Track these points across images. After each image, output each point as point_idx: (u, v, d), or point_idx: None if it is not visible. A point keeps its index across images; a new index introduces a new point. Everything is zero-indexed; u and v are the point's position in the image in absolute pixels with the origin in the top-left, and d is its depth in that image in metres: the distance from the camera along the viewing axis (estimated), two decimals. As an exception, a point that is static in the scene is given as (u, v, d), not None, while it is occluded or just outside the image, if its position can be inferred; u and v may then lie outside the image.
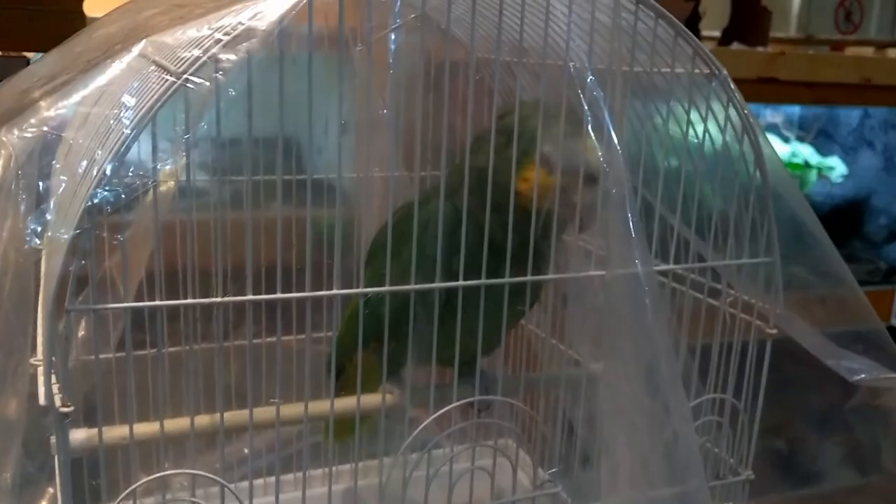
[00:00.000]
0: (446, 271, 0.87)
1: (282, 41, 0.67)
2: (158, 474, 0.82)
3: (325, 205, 1.10)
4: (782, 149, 3.16)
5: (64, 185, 0.70)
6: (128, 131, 0.63)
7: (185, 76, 0.64)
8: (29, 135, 0.75)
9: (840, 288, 0.94)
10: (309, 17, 0.70)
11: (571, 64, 0.75)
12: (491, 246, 0.87)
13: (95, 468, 1.20)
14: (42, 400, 0.72)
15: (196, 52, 0.65)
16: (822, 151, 3.28)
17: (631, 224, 0.72)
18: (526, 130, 0.87)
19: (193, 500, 0.84)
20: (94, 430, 0.85)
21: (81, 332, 1.24)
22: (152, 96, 0.65)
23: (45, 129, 0.75)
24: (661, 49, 0.84)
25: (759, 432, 1.02)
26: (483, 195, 0.85)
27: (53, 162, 0.78)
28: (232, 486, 0.84)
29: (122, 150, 0.63)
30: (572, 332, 0.98)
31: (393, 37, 0.79)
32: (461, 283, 0.86)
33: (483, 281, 0.87)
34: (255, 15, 0.66)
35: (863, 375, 0.95)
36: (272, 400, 0.78)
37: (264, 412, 0.92)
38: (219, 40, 0.66)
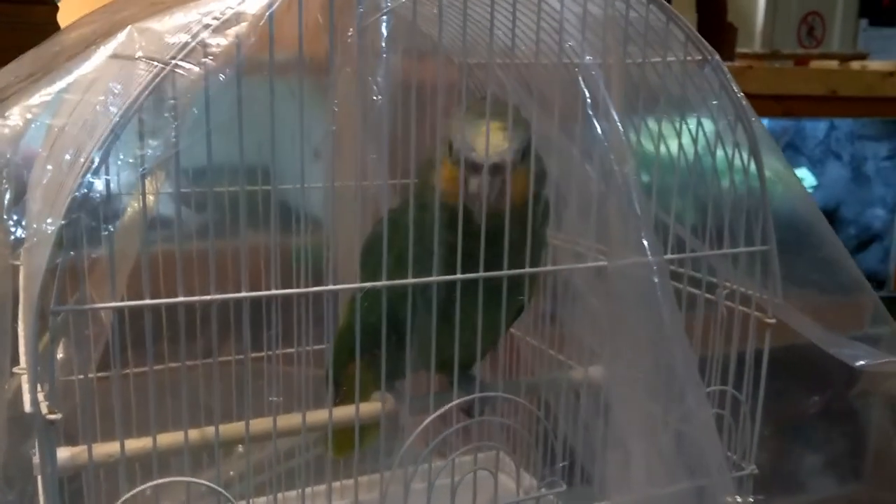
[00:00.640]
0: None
1: (271, 25, 0.65)
2: (152, 483, 0.78)
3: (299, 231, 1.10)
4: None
5: (49, 174, 0.67)
6: (116, 119, 0.61)
7: (173, 62, 0.62)
8: (12, 123, 0.72)
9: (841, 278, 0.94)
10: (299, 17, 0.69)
11: (569, 44, 0.74)
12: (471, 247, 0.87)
13: (76, 496, 1.16)
14: (27, 407, 0.68)
15: (184, 38, 0.63)
16: (791, 164, 3.31)
17: (637, 208, 0.71)
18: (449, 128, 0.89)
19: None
20: (80, 448, 0.81)
21: (60, 354, 1.21)
22: (140, 83, 0.62)
23: (29, 116, 0.72)
24: (651, 39, 0.84)
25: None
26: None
27: (39, 150, 0.75)
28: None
29: (110, 137, 0.61)
30: (572, 328, 0.97)
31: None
32: (459, 276, 0.84)
33: (481, 274, 0.85)
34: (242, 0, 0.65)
35: (865, 361, 0.94)
36: (271, 398, 0.75)
37: (259, 424, 0.89)
38: (207, 25, 0.64)
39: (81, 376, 1.21)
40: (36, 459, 0.77)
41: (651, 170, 0.88)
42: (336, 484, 1.18)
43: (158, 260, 1.25)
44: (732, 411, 0.98)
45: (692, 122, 0.86)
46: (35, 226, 0.64)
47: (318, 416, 0.90)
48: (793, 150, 3.47)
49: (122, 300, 1.14)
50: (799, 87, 2.59)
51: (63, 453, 0.81)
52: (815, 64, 3.20)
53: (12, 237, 0.67)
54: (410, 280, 0.84)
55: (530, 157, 0.88)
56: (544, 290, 1.16)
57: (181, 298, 0.70)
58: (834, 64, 3.17)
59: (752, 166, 0.90)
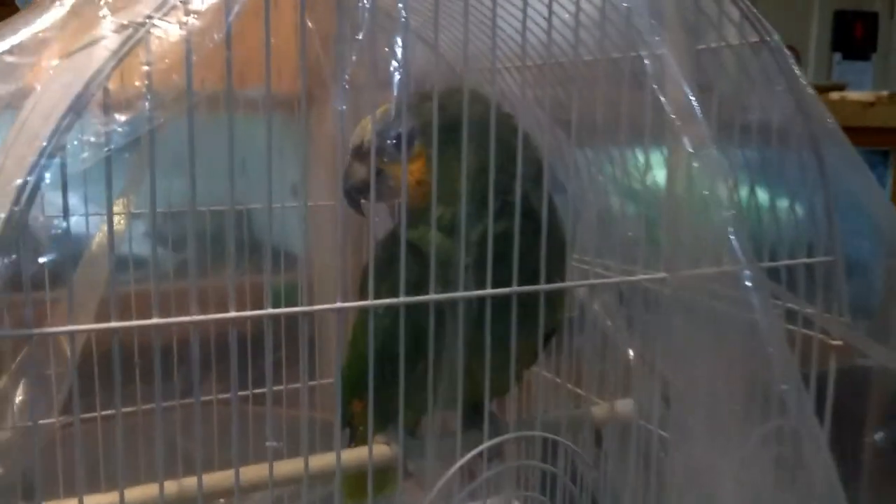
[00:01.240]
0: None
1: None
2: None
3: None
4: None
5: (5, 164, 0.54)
6: (77, 90, 0.48)
7: (150, 21, 0.50)
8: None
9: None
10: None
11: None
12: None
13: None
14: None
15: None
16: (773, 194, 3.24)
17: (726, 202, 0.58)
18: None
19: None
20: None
21: (19, 397, 1.08)
22: (108, 47, 0.50)
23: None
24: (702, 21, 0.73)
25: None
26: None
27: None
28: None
29: (69, 115, 0.48)
30: (592, 357, 0.85)
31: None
32: (489, 291, 0.71)
33: (514, 289, 0.72)
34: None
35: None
36: (267, 442, 0.61)
37: (251, 472, 0.75)
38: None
39: (42, 422, 1.08)
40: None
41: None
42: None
43: (131, 299, 1.15)
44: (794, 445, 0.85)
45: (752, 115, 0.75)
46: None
47: (321, 460, 0.77)
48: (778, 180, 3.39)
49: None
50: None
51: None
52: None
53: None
54: (489, 290, 0.73)
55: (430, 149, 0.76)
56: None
57: (155, 320, 0.57)
58: (811, 95, 3.09)
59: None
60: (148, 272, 1.18)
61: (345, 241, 0.65)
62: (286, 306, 1.19)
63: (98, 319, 0.97)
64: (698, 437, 0.72)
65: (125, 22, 0.51)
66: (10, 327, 0.58)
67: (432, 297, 0.69)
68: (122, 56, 0.50)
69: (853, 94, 2.90)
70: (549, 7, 0.70)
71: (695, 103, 0.61)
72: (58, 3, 0.57)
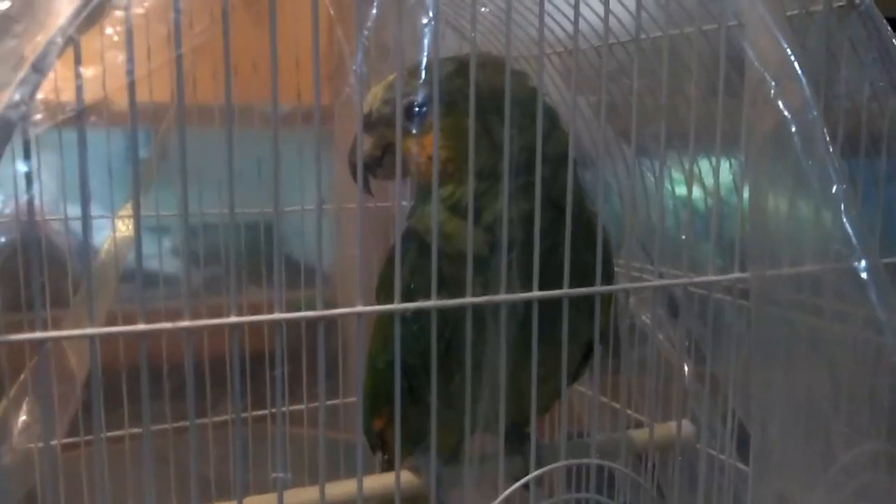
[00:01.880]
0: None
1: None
2: None
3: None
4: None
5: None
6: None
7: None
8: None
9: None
10: None
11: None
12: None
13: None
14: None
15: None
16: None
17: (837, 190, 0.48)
18: None
19: None
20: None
21: (23, 417, 1.02)
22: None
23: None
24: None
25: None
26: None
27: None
28: None
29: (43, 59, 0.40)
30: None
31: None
32: (536, 293, 0.60)
33: (566, 291, 0.62)
34: None
35: None
36: (274, 475, 0.52)
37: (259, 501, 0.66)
38: None
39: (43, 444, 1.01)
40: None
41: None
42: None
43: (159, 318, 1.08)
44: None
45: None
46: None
47: (340, 488, 0.67)
48: None
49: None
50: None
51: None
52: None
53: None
54: (535, 293, 0.62)
55: (459, 119, 0.64)
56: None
57: (186, 323, 0.48)
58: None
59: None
60: (171, 289, 1.14)
61: (362, 239, 0.55)
62: (309, 326, 1.12)
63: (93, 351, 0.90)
64: (778, 464, 0.61)
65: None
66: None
67: (469, 300, 0.59)
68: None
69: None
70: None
71: (795, 63, 0.51)
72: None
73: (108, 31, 0.43)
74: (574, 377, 0.84)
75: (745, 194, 0.66)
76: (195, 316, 0.51)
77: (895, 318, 0.50)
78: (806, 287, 0.54)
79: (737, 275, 0.64)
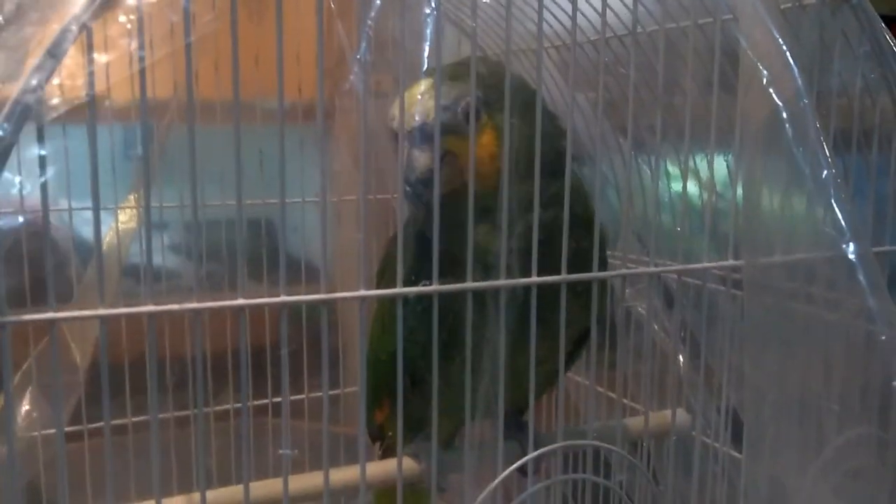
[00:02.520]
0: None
1: None
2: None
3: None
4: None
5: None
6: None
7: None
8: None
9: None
10: None
11: None
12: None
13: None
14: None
15: None
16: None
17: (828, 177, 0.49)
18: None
19: None
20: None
21: (25, 407, 1.03)
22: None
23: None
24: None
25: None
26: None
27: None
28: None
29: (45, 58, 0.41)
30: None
31: None
32: (535, 279, 0.62)
33: (564, 276, 0.63)
34: None
35: None
36: (280, 451, 0.53)
37: (262, 487, 0.67)
38: None
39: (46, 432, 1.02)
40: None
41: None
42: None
43: (143, 317, 1.09)
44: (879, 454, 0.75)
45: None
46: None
47: (341, 474, 0.69)
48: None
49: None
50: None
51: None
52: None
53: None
54: (535, 279, 0.62)
55: (497, 118, 0.66)
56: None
57: (193, 304, 0.50)
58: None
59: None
60: (171, 284, 1.14)
61: (367, 226, 0.56)
62: (309, 321, 1.13)
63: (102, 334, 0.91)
64: (771, 446, 0.62)
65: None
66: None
67: (470, 284, 0.60)
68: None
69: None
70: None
71: (788, 53, 0.52)
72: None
73: (122, 18, 0.44)
74: (567, 365, 0.85)
75: (739, 186, 0.68)
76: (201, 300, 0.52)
77: (884, 300, 0.52)
78: (798, 273, 0.55)
79: (731, 262, 0.65)
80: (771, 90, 0.52)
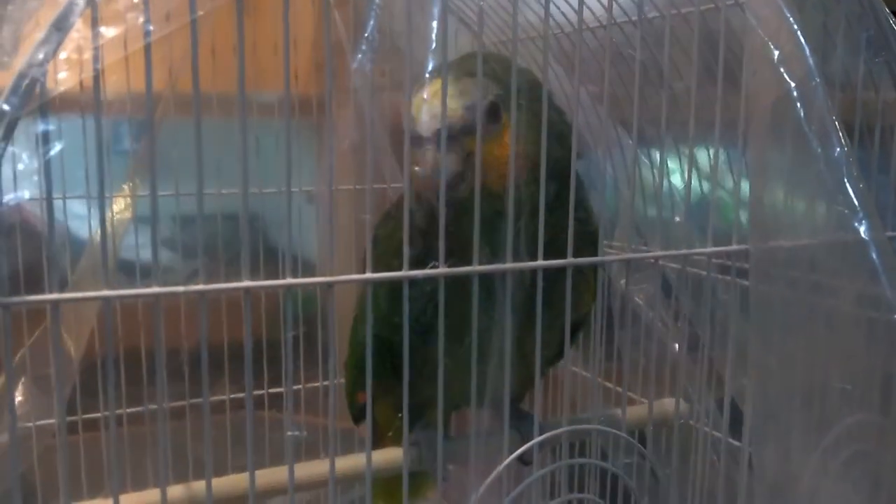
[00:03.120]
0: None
1: None
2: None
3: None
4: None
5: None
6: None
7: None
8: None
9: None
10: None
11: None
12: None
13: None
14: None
15: None
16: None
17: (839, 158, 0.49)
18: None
19: None
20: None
21: (18, 398, 1.02)
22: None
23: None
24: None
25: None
26: None
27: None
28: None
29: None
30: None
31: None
32: (541, 262, 0.62)
33: (570, 260, 0.63)
34: None
35: None
36: (289, 433, 0.53)
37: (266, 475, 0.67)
38: None
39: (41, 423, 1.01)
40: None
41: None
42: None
43: (138, 309, 1.09)
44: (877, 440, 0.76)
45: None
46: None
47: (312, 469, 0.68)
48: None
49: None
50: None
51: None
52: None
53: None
54: (541, 262, 0.62)
55: (515, 116, 0.64)
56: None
57: (201, 286, 0.49)
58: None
59: None
60: (164, 280, 1.14)
61: (371, 205, 0.56)
62: (304, 311, 1.12)
63: (100, 319, 0.91)
64: (777, 431, 0.62)
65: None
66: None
67: (476, 268, 0.59)
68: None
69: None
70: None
71: (798, 31, 0.52)
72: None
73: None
74: (559, 354, 0.85)
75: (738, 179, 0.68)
76: (191, 304, 0.52)
77: (894, 277, 0.52)
78: (807, 255, 0.55)
79: (735, 247, 0.66)
80: (782, 69, 0.52)
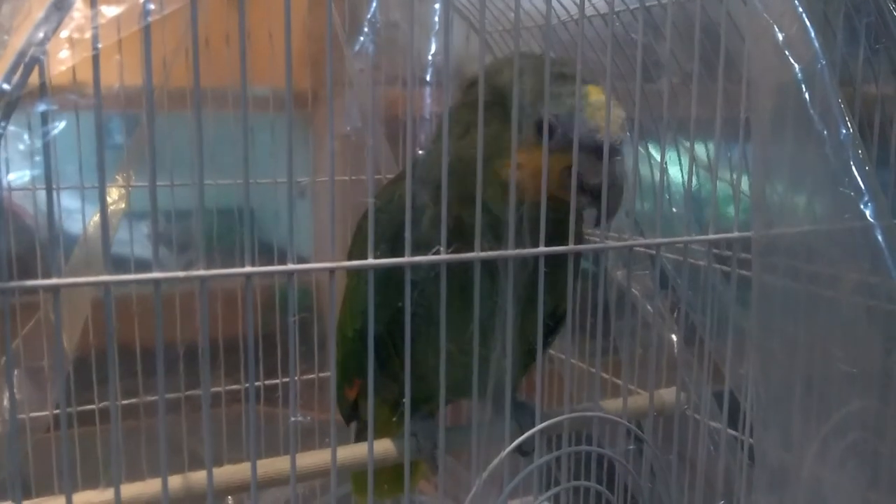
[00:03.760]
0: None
1: None
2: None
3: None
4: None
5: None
6: None
7: None
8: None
9: None
10: None
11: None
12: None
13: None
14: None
15: None
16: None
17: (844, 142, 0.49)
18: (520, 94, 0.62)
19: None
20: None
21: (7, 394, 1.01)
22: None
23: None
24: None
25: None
26: (462, 186, 0.61)
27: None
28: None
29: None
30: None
31: None
32: (543, 249, 0.61)
33: (570, 247, 0.63)
34: None
35: None
36: (293, 419, 0.52)
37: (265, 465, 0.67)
38: None
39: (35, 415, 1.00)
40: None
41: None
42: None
43: (132, 303, 1.08)
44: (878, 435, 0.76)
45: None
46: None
47: (314, 458, 0.68)
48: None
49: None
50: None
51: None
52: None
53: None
54: (543, 248, 0.62)
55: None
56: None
57: (201, 272, 0.49)
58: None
59: None
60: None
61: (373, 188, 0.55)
62: (299, 308, 1.12)
63: (94, 312, 0.90)
64: (780, 415, 0.62)
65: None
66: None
67: (478, 254, 0.59)
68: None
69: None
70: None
71: (803, 13, 0.51)
72: None
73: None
74: (545, 344, 0.85)
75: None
76: (185, 299, 0.51)
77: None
78: (810, 241, 0.55)
79: (736, 234, 0.66)
80: (787, 52, 0.52)
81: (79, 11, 0.41)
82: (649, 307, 1.05)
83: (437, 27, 0.62)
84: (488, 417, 0.72)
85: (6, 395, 0.99)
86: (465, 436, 0.74)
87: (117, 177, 1.08)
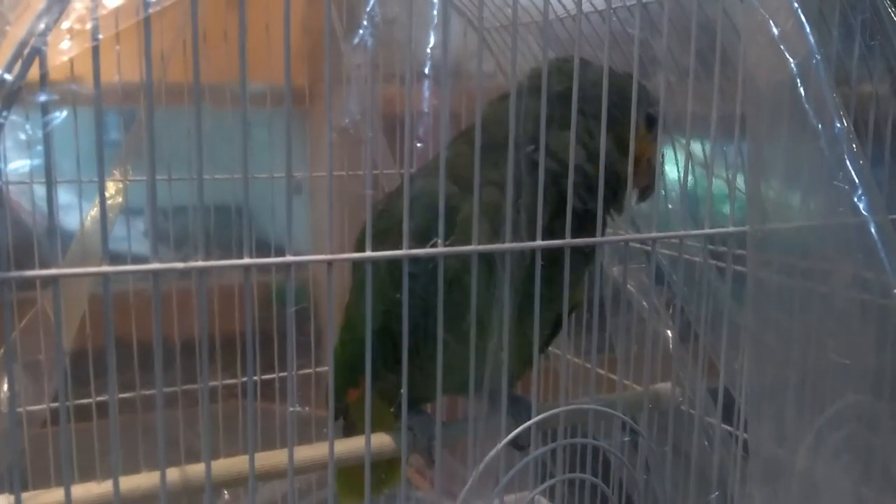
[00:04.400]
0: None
1: None
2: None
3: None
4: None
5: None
6: None
7: None
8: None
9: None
10: None
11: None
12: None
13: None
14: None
15: None
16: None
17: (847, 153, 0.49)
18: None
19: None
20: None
21: (6, 387, 1.01)
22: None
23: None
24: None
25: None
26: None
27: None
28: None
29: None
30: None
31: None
32: (568, 240, 0.62)
33: (567, 241, 0.63)
34: None
35: None
36: (291, 409, 0.52)
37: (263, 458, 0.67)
38: None
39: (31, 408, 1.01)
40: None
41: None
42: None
43: (129, 298, 1.08)
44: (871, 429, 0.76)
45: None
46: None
47: (313, 452, 0.68)
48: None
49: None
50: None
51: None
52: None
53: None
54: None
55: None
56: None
57: (200, 263, 0.49)
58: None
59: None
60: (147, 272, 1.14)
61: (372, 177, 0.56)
62: (295, 304, 1.13)
63: (91, 307, 0.90)
64: (773, 408, 0.63)
65: None
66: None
67: (475, 248, 0.59)
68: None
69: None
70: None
71: (799, 8, 0.52)
72: None
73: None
74: (547, 342, 0.85)
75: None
76: (182, 295, 0.51)
77: (892, 254, 0.52)
78: (805, 236, 0.55)
79: (732, 229, 0.66)
80: (782, 46, 0.52)
81: (80, 2, 0.41)
82: (644, 302, 1.05)
83: (435, 21, 0.62)
84: (485, 412, 0.72)
85: (4, 387, 0.99)
86: (461, 430, 0.74)
87: (114, 171, 1.08)
